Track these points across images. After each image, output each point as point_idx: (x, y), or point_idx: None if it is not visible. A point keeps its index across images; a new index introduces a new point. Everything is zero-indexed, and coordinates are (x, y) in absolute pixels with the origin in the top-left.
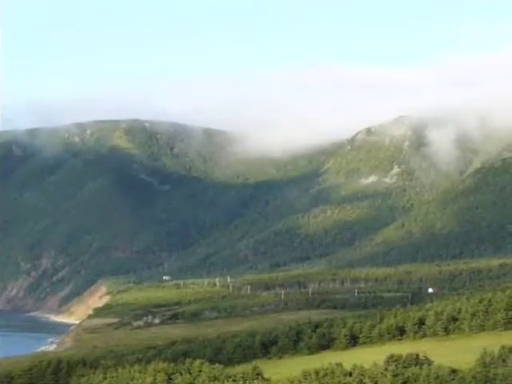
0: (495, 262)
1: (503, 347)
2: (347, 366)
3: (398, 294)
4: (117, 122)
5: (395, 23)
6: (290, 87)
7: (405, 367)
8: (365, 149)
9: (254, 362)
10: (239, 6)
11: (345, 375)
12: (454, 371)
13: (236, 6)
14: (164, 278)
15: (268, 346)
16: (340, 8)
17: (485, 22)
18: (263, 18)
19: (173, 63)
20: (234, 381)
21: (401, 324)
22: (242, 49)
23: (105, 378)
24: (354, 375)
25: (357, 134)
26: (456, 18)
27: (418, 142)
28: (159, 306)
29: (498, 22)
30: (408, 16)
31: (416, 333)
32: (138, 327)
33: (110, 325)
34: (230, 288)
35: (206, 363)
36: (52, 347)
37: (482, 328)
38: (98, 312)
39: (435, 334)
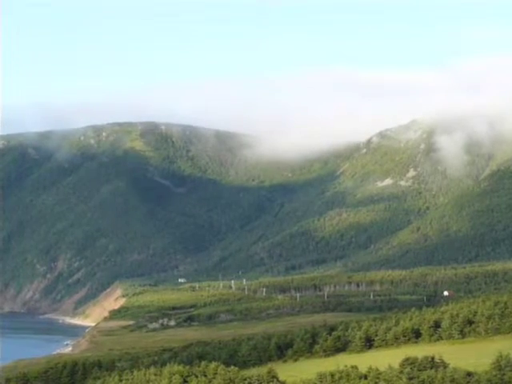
0: (511, 265)
1: None
2: (362, 369)
3: (414, 297)
4: (132, 124)
5: (408, 27)
6: (304, 90)
7: (420, 370)
8: (380, 152)
9: (270, 365)
10: (253, 9)
11: (360, 378)
12: (469, 374)
13: (249, 9)
14: (179, 280)
15: (283, 349)
16: (354, 11)
17: (495, 26)
18: (277, 20)
19: (186, 66)
20: (249, 383)
21: (416, 327)
22: (255, 51)
23: (120, 381)
24: (369, 378)
25: (372, 137)
26: (467, 23)
27: (433, 145)
28: (175, 308)
29: (510, 26)
30: (420, 20)
31: (431, 336)
32: (154, 330)
33: (125, 327)
34: (246, 291)
35: (222, 366)
36: (67, 349)
37: (497, 331)
38: (114, 314)
39: (451, 336)
